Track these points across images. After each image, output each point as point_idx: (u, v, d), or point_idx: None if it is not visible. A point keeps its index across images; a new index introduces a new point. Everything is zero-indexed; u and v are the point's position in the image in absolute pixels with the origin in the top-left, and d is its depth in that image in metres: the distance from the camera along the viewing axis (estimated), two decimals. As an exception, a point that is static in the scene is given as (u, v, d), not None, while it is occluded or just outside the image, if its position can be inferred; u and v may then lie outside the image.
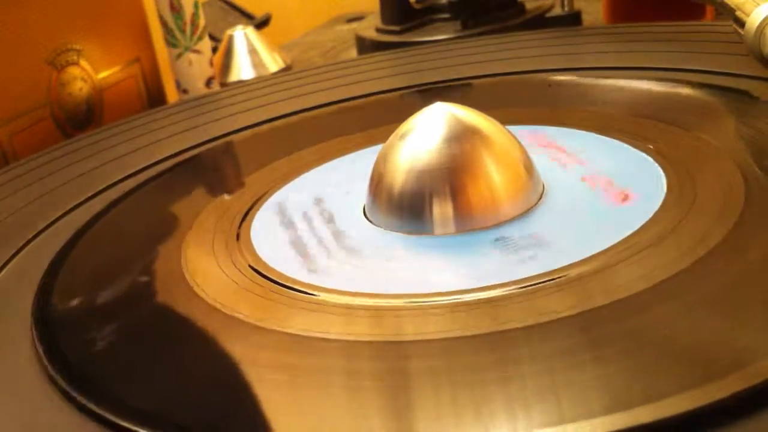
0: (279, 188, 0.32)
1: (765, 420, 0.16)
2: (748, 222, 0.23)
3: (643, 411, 0.17)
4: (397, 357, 0.21)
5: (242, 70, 0.60)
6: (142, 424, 0.19)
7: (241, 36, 0.61)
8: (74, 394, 0.21)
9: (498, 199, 0.26)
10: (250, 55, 0.60)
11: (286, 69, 0.60)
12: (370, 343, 0.22)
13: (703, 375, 0.18)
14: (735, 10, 0.34)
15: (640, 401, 0.17)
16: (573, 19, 0.52)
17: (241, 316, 0.23)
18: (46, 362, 0.22)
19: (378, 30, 0.57)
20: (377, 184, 0.28)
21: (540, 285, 0.22)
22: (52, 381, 0.22)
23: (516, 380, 0.19)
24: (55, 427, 0.20)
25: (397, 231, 0.27)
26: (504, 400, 0.18)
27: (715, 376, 0.17)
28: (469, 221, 0.26)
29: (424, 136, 0.27)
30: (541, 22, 0.53)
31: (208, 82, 0.52)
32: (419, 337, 0.21)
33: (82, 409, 0.20)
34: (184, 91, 0.52)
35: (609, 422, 0.17)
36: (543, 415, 0.18)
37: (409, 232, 0.26)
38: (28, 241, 0.31)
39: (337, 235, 0.27)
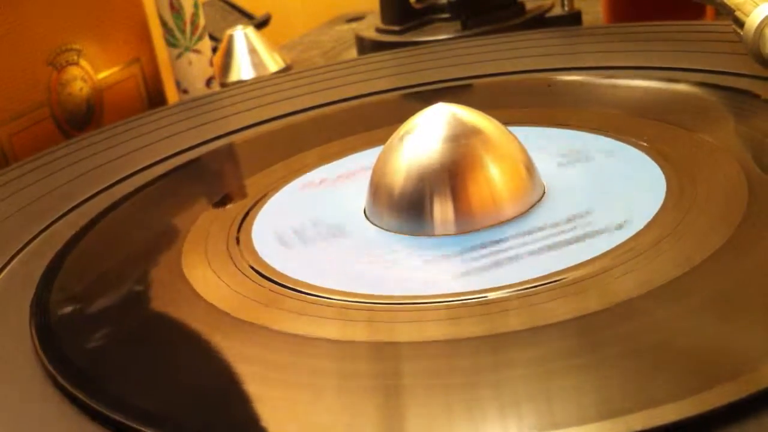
0: (279, 189, 0.32)
1: (764, 428, 0.16)
2: (750, 224, 0.23)
3: (638, 418, 0.17)
4: (395, 358, 0.21)
5: (242, 70, 0.60)
6: (141, 423, 0.19)
7: (241, 36, 0.61)
8: (74, 392, 0.21)
9: (498, 199, 0.26)
10: (250, 55, 0.60)
11: (286, 69, 0.60)
12: (369, 344, 0.22)
13: (700, 382, 0.17)
14: (734, 10, 0.34)
15: (636, 408, 0.17)
16: (573, 19, 0.52)
17: (239, 317, 0.23)
18: (45, 361, 0.22)
19: (378, 30, 0.57)
20: (378, 184, 0.28)
21: (538, 288, 0.22)
22: (52, 380, 0.22)
23: (511, 384, 0.19)
24: (55, 426, 0.20)
25: (397, 231, 0.27)
26: (498, 403, 0.18)
27: (713, 383, 0.17)
28: (469, 222, 0.26)
29: (424, 136, 0.27)
30: (541, 22, 0.53)
31: (208, 82, 0.52)
32: (417, 339, 0.21)
33: (82, 407, 0.20)
34: (184, 91, 0.52)
35: (602, 428, 0.17)
36: (536, 419, 0.17)
37: (410, 233, 0.26)
38: (29, 242, 0.31)
39: (338, 235, 0.27)
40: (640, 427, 0.16)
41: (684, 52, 0.39)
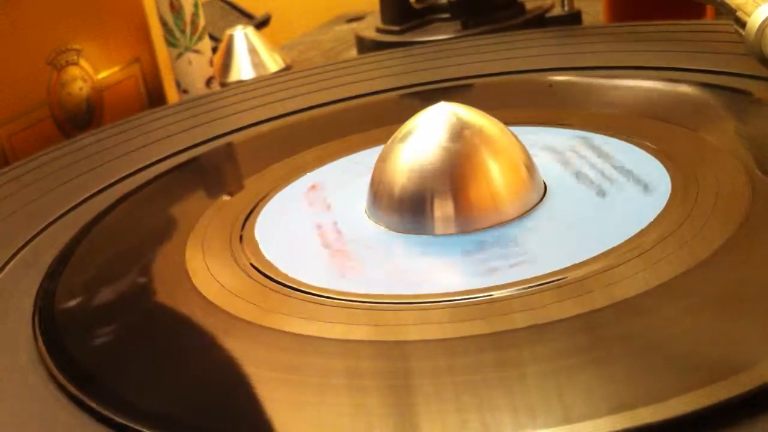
0: (280, 189, 0.32)
1: (767, 422, 0.16)
2: (753, 223, 0.23)
3: (645, 412, 0.17)
4: (398, 358, 0.21)
5: (242, 70, 0.60)
6: (143, 423, 0.19)
7: (241, 36, 0.61)
8: (76, 392, 0.21)
9: (499, 199, 0.26)
10: (250, 55, 0.60)
11: (286, 69, 0.60)
12: (371, 343, 0.22)
13: (705, 377, 0.17)
14: (736, 11, 0.34)
15: (643, 402, 0.17)
16: (573, 19, 0.53)
17: (243, 316, 0.23)
18: (48, 361, 0.22)
19: (378, 30, 0.57)
20: (378, 183, 0.28)
21: (541, 286, 0.22)
22: (54, 380, 0.22)
23: (517, 381, 0.19)
24: (57, 426, 0.20)
25: (398, 231, 0.27)
26: (506, 401, 0.18)
27: (718, 378, 0.17)
28: (470, 221, 0.26)
29: (426, 135, 0.27)
30: (541, 22, 0.53)
31: (208, 82, 0.52)
32: (420, 338, 0.21)
33: (84, 407, 0.20)
34: (184, 91, 0.52)
35: (612, 423, 0.17)
36: (545, 415, 0.17)
37: (410, 232, 0.26)
38: (29, 241, 0.31)
39: (338, 234, 0.27)
40: (650, 420, 0.16)
41: (684, 52, 0.39)
